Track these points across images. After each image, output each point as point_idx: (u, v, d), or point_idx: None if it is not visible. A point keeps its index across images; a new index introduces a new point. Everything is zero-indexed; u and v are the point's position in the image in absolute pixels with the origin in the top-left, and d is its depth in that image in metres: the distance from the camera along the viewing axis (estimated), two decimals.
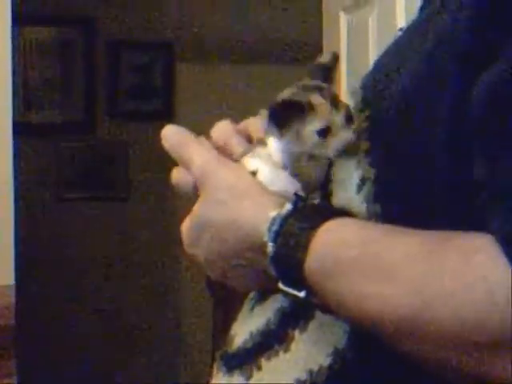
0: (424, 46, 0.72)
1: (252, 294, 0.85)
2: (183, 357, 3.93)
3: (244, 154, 0.81)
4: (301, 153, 0.77)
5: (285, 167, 0.78)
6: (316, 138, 0.75)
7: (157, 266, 3.89)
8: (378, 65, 0.83)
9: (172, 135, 0.84)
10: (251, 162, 0.79)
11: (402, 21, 2.05)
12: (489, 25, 0.65)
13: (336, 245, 0.67)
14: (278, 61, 3.97)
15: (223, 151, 0.82)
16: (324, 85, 0.77)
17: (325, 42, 2.61)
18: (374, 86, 0.78)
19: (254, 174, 0.78)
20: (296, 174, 0.78)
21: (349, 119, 0.75)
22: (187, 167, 0.81)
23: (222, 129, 0.84)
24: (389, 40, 0.84)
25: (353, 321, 0.69)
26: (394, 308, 0.62)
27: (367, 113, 0.75)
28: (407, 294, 0.61)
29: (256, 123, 0.83)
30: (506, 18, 0.64)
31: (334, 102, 0.75)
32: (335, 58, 0.82)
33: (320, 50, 2.63)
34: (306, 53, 3.68)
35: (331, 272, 0.67)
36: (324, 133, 0.74)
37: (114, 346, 3.80)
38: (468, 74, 0.65)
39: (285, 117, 0.75)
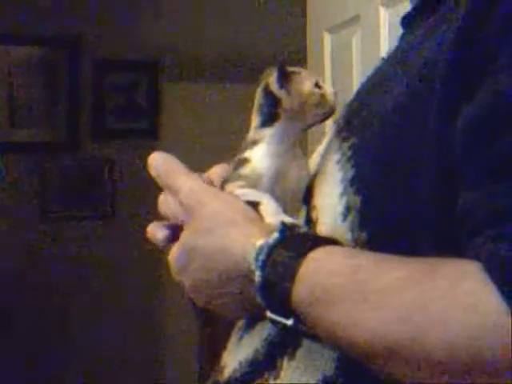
0: (403, 78, 0.72)
1: (240, 323, 0.85)
2: (168, 377, 3.90)
3: (226, 179, 0.82)
4: (298, 130, 0.81)
5: (268, 178, 0.79)
6: (316, 89, 0.80)
7: (142, 285, 3.87)
8: (361, 92, 0.83)
9: (159, 163, 0.84)
10: (234, 187, 0.80)
11: (385, 41, 2.07)
12: (469, 57, 0.65)
13: (324, 273, 0.67)
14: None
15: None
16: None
17: (309, 62, 2.63)
18: (357, 115, 0.79)
19: (252, 204, 0.79)
20: (279, 179, 0.79)
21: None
22: (174, 195, 0.82)
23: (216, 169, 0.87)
24: (373, 59, 0.86)
25: (343, 349, 0.69)
26: (384, 336, 0.62)
27: (351, 141, 0.76)
28: (396, 321, 0.61)
29: (219, 171, 0.85)
30: (482, 55, 0.65)
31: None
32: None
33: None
34: None
35: (320, 300, 0.67)
36: (319, 85, 0.81)
37: (101, 359, 3.77)
38: (448, 107, 0.66)
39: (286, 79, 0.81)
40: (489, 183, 0.61)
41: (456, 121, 0.64)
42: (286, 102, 0.79)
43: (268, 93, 0.80)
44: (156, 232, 0.84)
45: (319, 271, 0.68)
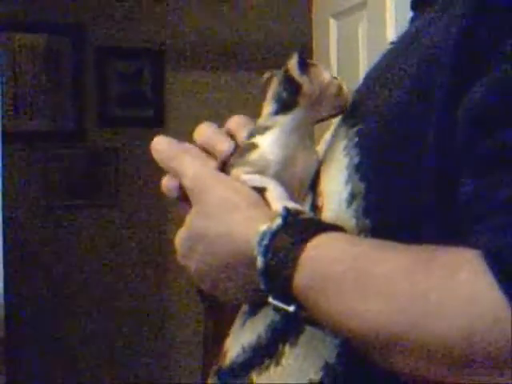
0: (411, 63, 0.72)
1: (244, 308, 0.85)
2: (173, 366, 3.91)
3: (233, 163, 0.81)
4: (312, 121, 0.80)
5: (275, 164, 0.78)
6: (334, 79, 0.80)
7: (146, 273, 3.87)
8: (368, 79, 0.83)
9: (162, 147, 0.83)
10: (240, 172, 0.79)
11: (392, 27, 2.06)
12: (472, 49, 0.65)
13: (324, 260, 0.67)
14: (268, 68, 3.96)
15: (208, 152, 0.82)
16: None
17: (315, 49, 2.61)
18: (364, 101, 0.78)
19: (259, 190, 0.78)
20: (287, 167, 0.78)
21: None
22: (178, 180, 0.81)
23: (203, 130, 0.84)
24: (379, 46, 0.85)
25: (342, 336, 0.69)
26: (381, 326, 0.62)
27: (358, 128, 0.75)
28: (394, 312, 0.61)
29: (239, 122, 0.83)
30: (487, 43, 0.64)
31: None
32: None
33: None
34: None
35: (319, 288, 0.66)
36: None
37: (103, 355, 3.78)
38: (453, 94, 0.65)
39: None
40: (490, 172, 0.61)
41: (459, 107, 0.64)
42: (307, 88, 0.78)
43: (288, 79, 0.79)
44: (171, 183, 0.83)
45: (320, 258, 0.67)
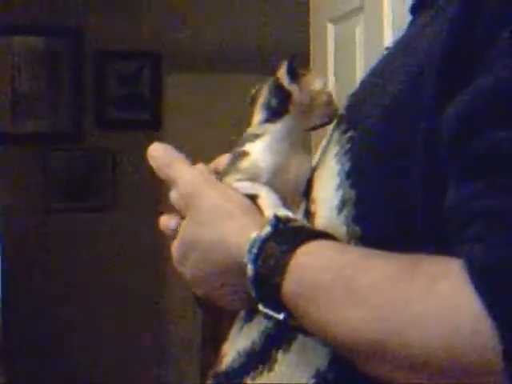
0: (404, 68, 0.72)
1: (242, 313, 0.85)
2: (170, 369, 3.91)
3: (225, 171, 0.81)
4: (302, 129, 0.80)
5: (267, 172, 0.79)
6: (325, 88, 0.80)
7: (144, 274, 3.87)
8: (363, 84, 0.83)
9: (158, 154, 0.84)
10: (232, 180, 0.80)
11: (389, 32, 2.06)
12: (461, 52, 0.65)
13: (312, 268, 0.67)
14: (265, 71, 3.96)
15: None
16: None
17: (312, 53, 2.62)
18: (358, 107, 0.78)
19: (251, 197, 0.79)
20: (278, 175, 0.79)
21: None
22: (174, 186, 0.82)
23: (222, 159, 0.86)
24: (376, 50, 0.85)
25: (330, 344, 0.69)
26: (365, 334, 0.62)
27: (350, 134, 0.75)
28: (377, 320, 0.61)
29: (224, 161, 0.85)
30: (476, 45, 0.64)
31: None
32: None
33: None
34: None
35: (307, 296, 0.67)
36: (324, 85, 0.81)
37: (101, 354, 3.78)
38: (442, 99, 0.65)
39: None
40: (473, 178, 0.61)
41: (446, 111, 0.64)
42: (297, 96, 0.78)
43: (278, 87, 0.79)
44: (167, 221, 0.84)
45: (308, 266, 0.68)
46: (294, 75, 0.79)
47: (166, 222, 0.84)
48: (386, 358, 0.62)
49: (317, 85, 0.79)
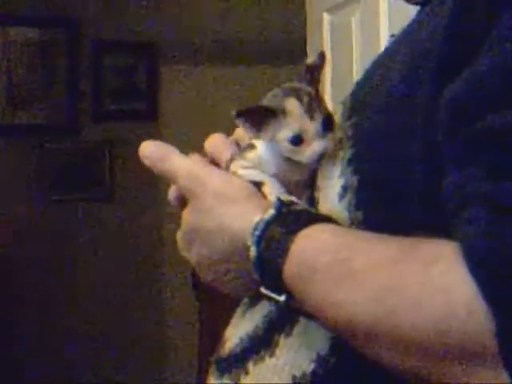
0: (406, 55, 0.72)
1: (245, 299, 0.86)
2: (168, 358, 3.92)
3: (232, 158, 0.82)
4: (280, 155, 0.78)
5: (270, 169, 0.79)
6: (289, 144, 0.75)
7: (143, 265, 3.88)
8: (368, 73, 0.83)
9: (151, 151, 0.84)
10: (238, 167, 0.80)
11: (385, 21, 2.06)
12: (461, 38, 0.65)
13: (311, 251, 0.68)
14: (262, 61, 3.97)
15: (214, 161, 0.83)
16: (306, 88, 0.77)
17: (309, 43, 2.62)
18: (361, 95, 0.79)
19: (256, 184, 0.79)
20: (280, 175, 0.79)
21: (326, 127, 0.74)
22: (173, 180, 0.82)
23: (213, 139, 0.86)
24: (372, 40, 0.85)
25: (328, 326, 0.69)
26: (360, 316, 0.62)
27: (353, 120, 0.76)
28: (372, 302, 0.61)
29: (214, 142, 0.85)
30: (476, 31, 0.64)
31: (311, 107, 0.75)
32: (322, 57, 0.82)
33: (304, 51, 2.63)
34: (290, 53, 3.69)
35: (306, 278, 0.67)
36: (297, 140, 0.75)
37: (101, 345, 3.79)
38: (440, 87, 0.65)
39: (261, 120, 0.76)
40: (469, 162, 0.61)
41: (443, 97, 0.64)
42: (257, 136, 0.77)
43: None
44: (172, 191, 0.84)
45: (308, 248, 0.68)
46: (248, 125, 0.77)
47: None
48: (381, 341, 0.62)
49: (282, 135, 0.75)
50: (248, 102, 0.79)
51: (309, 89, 0.77)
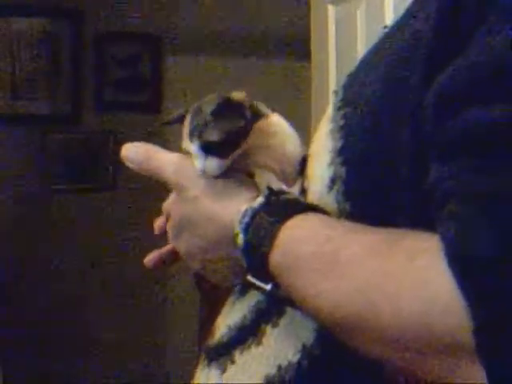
0: (396, 46, 0.72)
1: (236, 288, 0.86)
2: (168, 352, 3.93)
3: None
4: None
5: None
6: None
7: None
8: (361, 64, 0.83)
9: (134, 151, 0.85)
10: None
11: (390, 12, 2.06)
12: (450, 30, 0.65)
13: (297, 240, 0.68)
14: (266, 53, 3.96)
15: None
16: (212, 104, 0.79)
17: (313, 35, 2.61)
18: (353, 86, 0.79)
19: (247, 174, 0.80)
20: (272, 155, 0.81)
21: (207, 152, 0.77)
22: (161, 176, 0.83)
23: None
24: (377, 31, 0.84)
25: (312, 316, 0.70)
26: (343, 307, 0.63)
27: (344, 111, 0.76)
28: (354, 293, 0.62)
29: None
30: (465, 23, 0.64)
31: (197, 129, 0.78)
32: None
33: (308, 42, 2.63)
34: (294, 45, 3.68)
35: (291, 267, 0.68)
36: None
37: (101, 344, 3.80)
38: (430, 76, 0.65)
39: None
40: (452, 157, 0.61)
41: (430, 90, 0.64)
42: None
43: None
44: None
45: (294, 238, 0.69)
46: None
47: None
48: (363, 331, 0.62)
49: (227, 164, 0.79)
50: (252, 94, 0.79)
51: (214, 106, 0.79)
